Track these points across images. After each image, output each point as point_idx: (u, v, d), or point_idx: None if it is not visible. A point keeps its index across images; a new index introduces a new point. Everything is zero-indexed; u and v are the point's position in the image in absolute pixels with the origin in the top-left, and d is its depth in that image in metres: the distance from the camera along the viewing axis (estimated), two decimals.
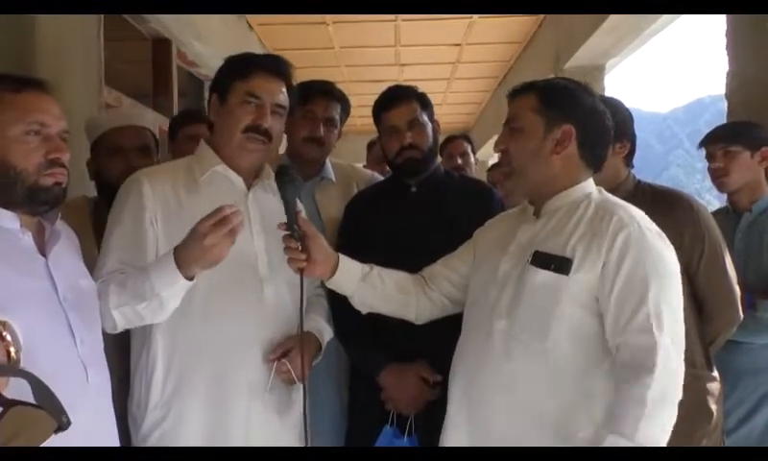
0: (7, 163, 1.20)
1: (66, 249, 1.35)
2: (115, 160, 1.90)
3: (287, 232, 1.49)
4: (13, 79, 1.25)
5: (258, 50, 5.54)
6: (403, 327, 1.69)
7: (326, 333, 1.72)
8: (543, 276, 1.38)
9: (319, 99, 2.06)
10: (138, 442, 1.54)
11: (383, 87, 1.98)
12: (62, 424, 0.86)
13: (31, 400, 0.86)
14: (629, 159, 1.92)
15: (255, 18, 5.63)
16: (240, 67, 1.60)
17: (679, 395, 1.30)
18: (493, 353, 1.42)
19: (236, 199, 1.59)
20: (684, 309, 1.79)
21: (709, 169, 2.28)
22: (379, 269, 1.65)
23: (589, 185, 1.47)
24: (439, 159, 2.06)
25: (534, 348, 1.37)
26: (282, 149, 2.22)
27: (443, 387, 1.63)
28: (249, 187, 1.63)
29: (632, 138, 1.91)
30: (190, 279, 1.38)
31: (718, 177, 2.24)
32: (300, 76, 1.77)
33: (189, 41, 4.25)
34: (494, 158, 8.29)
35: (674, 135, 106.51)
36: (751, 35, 2.61)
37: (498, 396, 1.41)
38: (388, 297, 1.64)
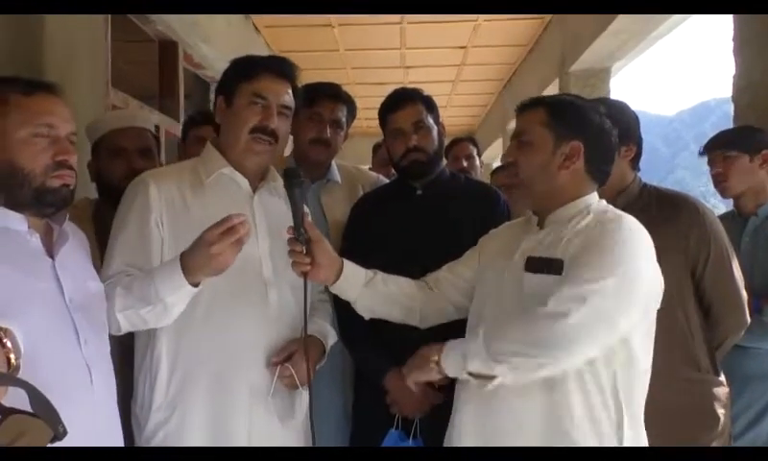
0: (14, 165, 1.21)
1: (75, 251, 1.35)
2: (116, 162, 1.91)
3: (292, 236, 1.49)
4: (24, 82, 1.26)
5: (264, 52, 5.53)
6: (408, 331, 1.68)
7: (330, 337, 1.72)
8: (538, 279, 1.40)
9: (326, 101, 2.06)
10: (141, 443, 1.54)
11: (388, 90, 1.98)
12: (59, 434, 0.87)
13: (29, 408, 0.86)
14: (635, 162, 1.91)
15: (262, 21, 5.64)
16: (246, 69, 1.60)
17: (558, 364, 1.30)
18: None
19: (242, 201, 1.60)
20: (690, 313, 1.80)
21: (711, 175, 2.29)
22: (383, 275, 1.65)
23: (593, 198, 1.49)
24: (444, 162, 2.06)
25: None
26: (288, 151, 2.23)
27: (448, 390, 1.63)
28: (254, 190, 1.63)
29: (638, 141, 1.90)
30: (195, 285, 1.38)
31: (719, 182, 2.26)
32: (305, 78, 1.78)
33: (196, 43, 4.26)
34: (498, 161, 8.29)
35: (680, 138, 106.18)
36: (758, 37, 2.60)
37: (508, 402, 1.40)
38: (392, 302, 1.64)
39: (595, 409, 1.34)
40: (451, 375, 1.40)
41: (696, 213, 1.81)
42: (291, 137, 1.87)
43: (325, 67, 6.33)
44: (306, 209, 1.61)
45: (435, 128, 1.92)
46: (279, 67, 1.62)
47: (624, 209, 1.47)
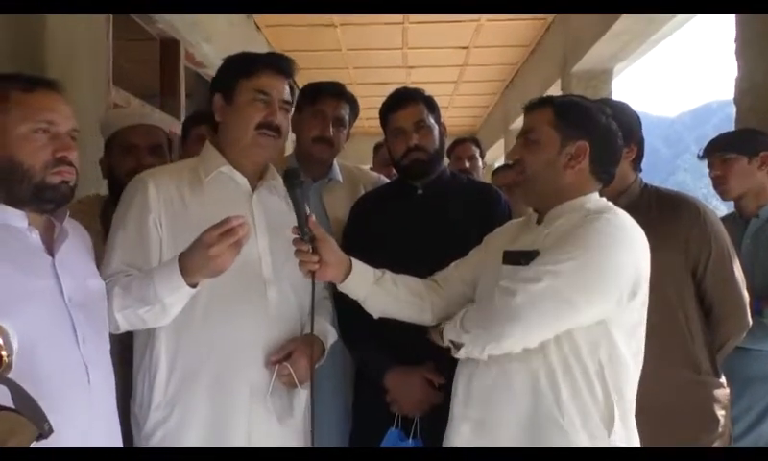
0: (14, 161, 1.21)
1: (76, 248, 1.35)
2: (127, 159, 1.91)
3: (297, 236, 1.49)
4: (24, 78, 1.26)
5: (266, 51, 5.55)
6: (408, 330, 1.68)
7: (330, 336, 1.71)
8: (513, 270, 1.43)
9: (329, 99, 2.07)
10: (140, 441, 1.53)
11: (390, 89, 1.98)
12: (44, 432, 0.87)
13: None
14: (636, 163, 1.91)
15: (263, 20, 5.65)
16: (245, 66, 1.60)
17: (507, 345, 1.37)
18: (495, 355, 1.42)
19: (241, 200, 1.59)
20: (691, 314, 1.80)
21: (711, 178, 2.30)
22: (392, 274, 1.64)
23: (592, 196, 1.49)
24: (446, 162, 2.06)
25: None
26: (289, 150, 2.23)
27: (447, 389, 1.62)
28: (253, 188, 1.63)
29: (639, 142, 1.90)
30: (193, 286, 1.38)
31: (719, 185, 2.27)
32: (307, 78, 1.78)
33: (197, 42, 4.26)
34: (500, 162, 8.28)
35: (681, 140, 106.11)
36: (760, 39, 2.60)
37: (500, 393, 1.42)
38: (401, 301, 1.63)
39: (582, 393, 1.35)
40: (445, 341, 1.50)
41: (697, 214, 1.80)
42: (293, 135, 1.87)
43: (327, 67, 6.33)
44: (308, 210, 1.61)
45: (436, 128, 1.92)
46: (278, 63, 1.62)
47: (625, 210, 1.47)
